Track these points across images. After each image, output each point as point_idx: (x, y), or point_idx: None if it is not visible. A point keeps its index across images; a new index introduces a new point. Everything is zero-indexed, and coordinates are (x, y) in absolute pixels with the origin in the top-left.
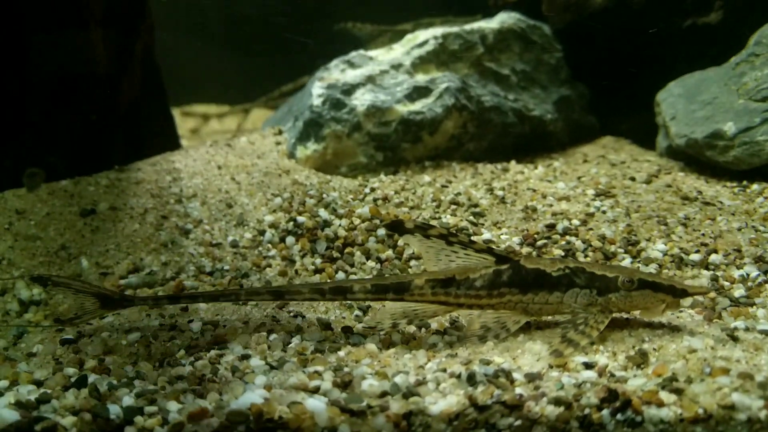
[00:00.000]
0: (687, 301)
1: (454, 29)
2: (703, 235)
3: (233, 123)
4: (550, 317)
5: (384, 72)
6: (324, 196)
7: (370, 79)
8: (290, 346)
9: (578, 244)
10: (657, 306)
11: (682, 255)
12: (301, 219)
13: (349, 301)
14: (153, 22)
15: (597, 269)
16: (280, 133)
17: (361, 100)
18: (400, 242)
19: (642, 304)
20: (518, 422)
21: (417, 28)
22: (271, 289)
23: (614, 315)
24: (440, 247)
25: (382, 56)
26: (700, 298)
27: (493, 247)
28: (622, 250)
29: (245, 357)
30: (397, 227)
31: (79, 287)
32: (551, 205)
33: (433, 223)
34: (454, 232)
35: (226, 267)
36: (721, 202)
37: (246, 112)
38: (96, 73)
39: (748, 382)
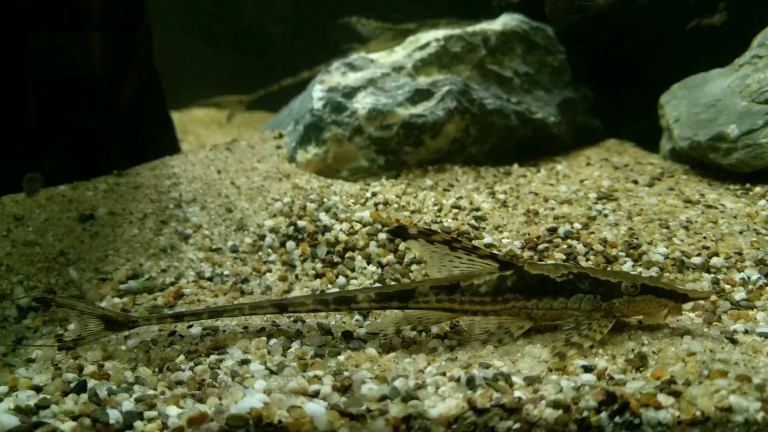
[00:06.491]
0: (688, 305)
1: (456, 31)
2: (705, 238)
3: (233, 129)
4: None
5: (385, 75)
6: (325, 200)
7: (371, 82)
8: (290, 350)
9: (580, 247)
10: (659, 311)
11: (684, 258)
12: (301, 223)
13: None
14: (151, 25)
15: (600, 275)
16: (281, 136)
17: (363, 103)
18: (402, 246)
19: (645, 309)
20: (517, 425)
21: (421, 27)
22: (275, 302)
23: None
24: (444, 253)
25: (384, 59)
26: (701, 301)
27: (496, 252)
28: (623, 254)
29: (245, 362)
30: (400, 233)
31: (83, 309)
32: (553, 209)
33: (434, 227)
34: (458, 237)
35: (226, 272)
36: (723, 205)
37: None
38: (94, 77)
39: (745, 384)
